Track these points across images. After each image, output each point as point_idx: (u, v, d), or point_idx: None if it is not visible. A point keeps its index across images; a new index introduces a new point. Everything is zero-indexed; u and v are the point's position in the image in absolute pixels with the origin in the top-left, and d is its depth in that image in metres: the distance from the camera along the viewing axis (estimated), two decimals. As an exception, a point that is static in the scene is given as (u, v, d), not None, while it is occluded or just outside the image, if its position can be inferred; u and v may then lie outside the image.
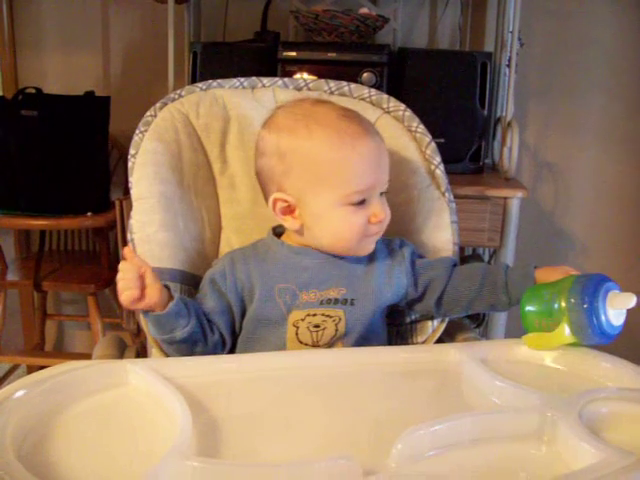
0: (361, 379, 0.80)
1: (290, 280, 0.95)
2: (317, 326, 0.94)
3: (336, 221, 0.92)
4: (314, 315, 0.94)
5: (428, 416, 0.67)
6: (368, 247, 0.96)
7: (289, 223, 0.95)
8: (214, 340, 0.95)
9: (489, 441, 0.67)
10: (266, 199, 0.98)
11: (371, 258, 0.98)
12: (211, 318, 0.95)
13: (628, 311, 0.82)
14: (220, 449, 0.65)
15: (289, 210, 0.94)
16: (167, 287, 0.91)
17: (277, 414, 0.72)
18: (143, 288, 0.86)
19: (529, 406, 0.70)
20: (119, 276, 0.87)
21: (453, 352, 0.84)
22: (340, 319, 0.95)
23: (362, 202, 0.92)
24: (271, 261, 0.97)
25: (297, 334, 0.94)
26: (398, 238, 1.03)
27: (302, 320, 0.94)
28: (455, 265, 1.02)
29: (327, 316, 0.95)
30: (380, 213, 0.93)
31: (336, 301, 0.95)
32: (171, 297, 0.90)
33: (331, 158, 0.90)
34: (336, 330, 0.95)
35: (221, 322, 0.96)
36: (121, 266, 0.87)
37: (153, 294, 0.87)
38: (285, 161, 0.92)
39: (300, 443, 0.67)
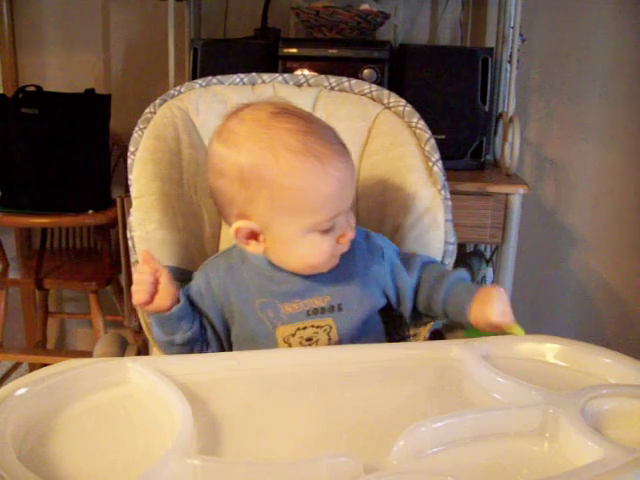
0: (362, 376, 0.80)
1: (269, 293, 0.92)
2: (309, 339, 0.92)
3: (304, 248, 0.87)
4: (304, 329, 0.92)
5: (429, 413, 0.67)
6: (334, 262, 0.91)
7: (253, 247, 0.89)
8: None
9: (491, 438, 0.66)
10: (224, 218, 0.93)
11: (349, 256, 0.92)
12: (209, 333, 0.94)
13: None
14: (221, 447, 0.65)
15: (253, 235, 0.88)
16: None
17: (278, 412, 0.72)
18: (155, 293, 0.87)
19: (531, 403, 0.70)
20: (135, 277, 0.88)
21: (454, 348, 0.84)
22: (331, 327, 0.92)
23: (331, 227, 0.87)
24: (247, 273, 0.93)
25: None
26: (378, 235, 0.98)
27: (293, 336, 0.92)
28: (424, 264, 0.98)
29: (317, 327, 0.92)
30: (349, 233, 0.89)
31: (323, 310, 0.92)
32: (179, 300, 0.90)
33: (300, 187, 0.83)
34: (329, 339, 0.93)
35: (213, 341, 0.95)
36: (138, 268, 0.88)
37: (163, 299, 0.87)
38: (249, 189, 0.84)
39: (301, 441, 0.67)
